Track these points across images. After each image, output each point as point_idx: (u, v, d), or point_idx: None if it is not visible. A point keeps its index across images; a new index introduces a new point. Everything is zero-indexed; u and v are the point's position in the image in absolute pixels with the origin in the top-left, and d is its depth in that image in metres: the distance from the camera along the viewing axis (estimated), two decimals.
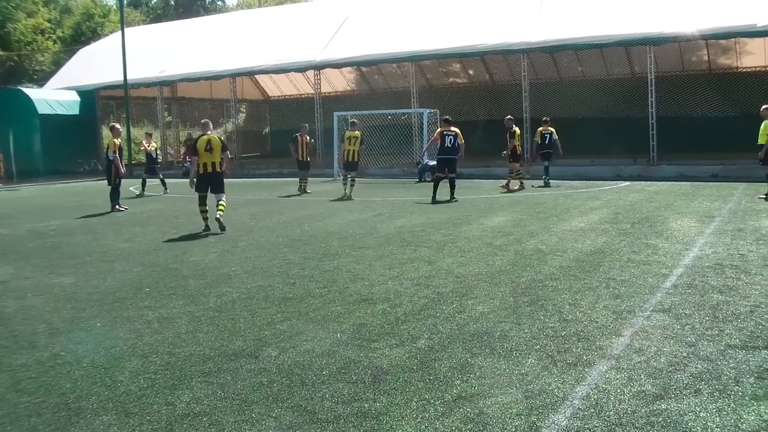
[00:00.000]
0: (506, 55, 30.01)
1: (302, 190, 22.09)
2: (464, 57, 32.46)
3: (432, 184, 18.52)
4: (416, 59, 30.63)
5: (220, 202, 14.17)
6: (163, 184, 24.57)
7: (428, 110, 27.66)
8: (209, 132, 14.36)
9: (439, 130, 18.81)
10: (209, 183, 14.35)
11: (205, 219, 14.19)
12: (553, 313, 7.09)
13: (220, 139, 14.63)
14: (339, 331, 6.72)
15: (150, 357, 6.17)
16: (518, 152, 21.77)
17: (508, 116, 21.79)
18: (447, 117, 18.94)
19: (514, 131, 21.24)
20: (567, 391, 5.07)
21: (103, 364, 6.03)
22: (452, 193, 18.22)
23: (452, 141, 18.00)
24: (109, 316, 7.63)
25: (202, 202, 14.27)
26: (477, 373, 5.49)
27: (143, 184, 24.28)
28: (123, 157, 21.25)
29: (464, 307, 7.43)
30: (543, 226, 13.08)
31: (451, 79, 38.34)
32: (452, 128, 18.28)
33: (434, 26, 30.43)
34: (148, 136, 25.99)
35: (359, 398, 5.08)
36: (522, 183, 21.39)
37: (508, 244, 11.22)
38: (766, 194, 15.58)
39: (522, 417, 4.66)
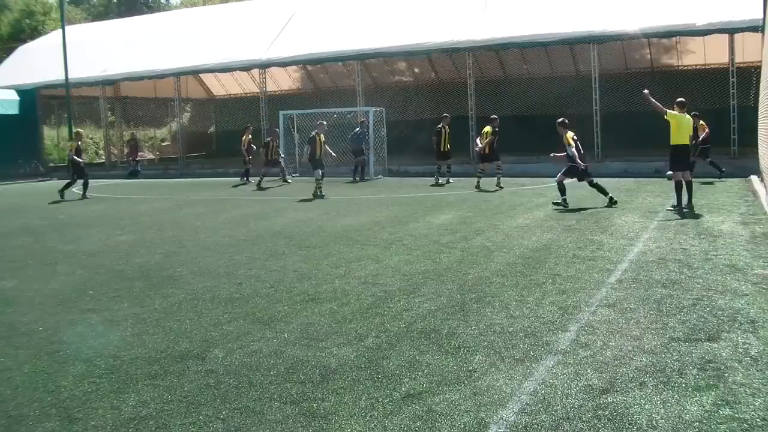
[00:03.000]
0: (452, 53, 30.10)
1: (318, 192, 19.72)
2: (410, 56, 32.50)
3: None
4: (362, 58, 30.61)
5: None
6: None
7: (374, 108, 27.69)
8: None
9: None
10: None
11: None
12: (500, 310, 7.16)
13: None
14: (286, 331, 6.69)
15: (94, 361, 6.07)
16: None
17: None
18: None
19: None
20: (514, 387, 5.12)
21: (46, 370, 5.91)
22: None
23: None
24: (51, 320, 7.48)
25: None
26: (425, 371, 5.52)
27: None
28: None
29: (411, 305, 7.46)
30: (489, 223, 13.19)
31: (396, 78, 38.39)
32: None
33: (380, 25, 30.44)
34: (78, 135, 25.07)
35: (308, 398, 5.07)
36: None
37: (455, 242, 11.29)
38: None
39: (470, 413, 4.70)
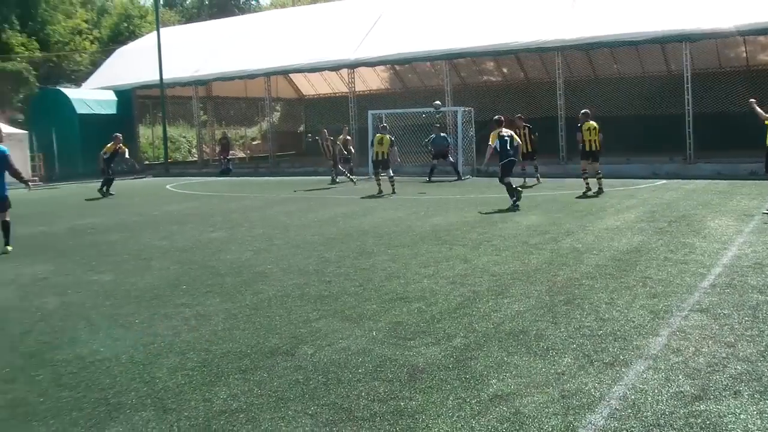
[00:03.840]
0: (540, 53, 29.78)
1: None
2: (498, 55, 32.27)
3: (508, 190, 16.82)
4: (450, 57, 30.50)
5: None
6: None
7: (462, 108, 27.58)
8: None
9: (494, 132, 16.78)
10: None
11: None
12: (590, 312, 7.04)
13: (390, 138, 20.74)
14: (375, 329, 6.73)
15: (187, 354, 6.23)
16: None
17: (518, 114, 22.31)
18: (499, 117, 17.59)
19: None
20: (604, 391, 5.03)
21: (142, 361, 6.10)
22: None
23: (510, 143, 16.45)
24: (147, 313, 7.72)
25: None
26: (513, 372, 5.47)
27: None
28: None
29: (500, 306, 7.41)
30: (579, 224, 12.98)
31: (485, 78, 38.17)
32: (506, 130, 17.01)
33: (468, 24, 30.30)
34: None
35: (395, 396, 5.09)
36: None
37: (544, 243, 11.16)
38: None
39: (558, 417, 4.64)
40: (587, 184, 18.47)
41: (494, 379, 5.34)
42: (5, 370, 6.01)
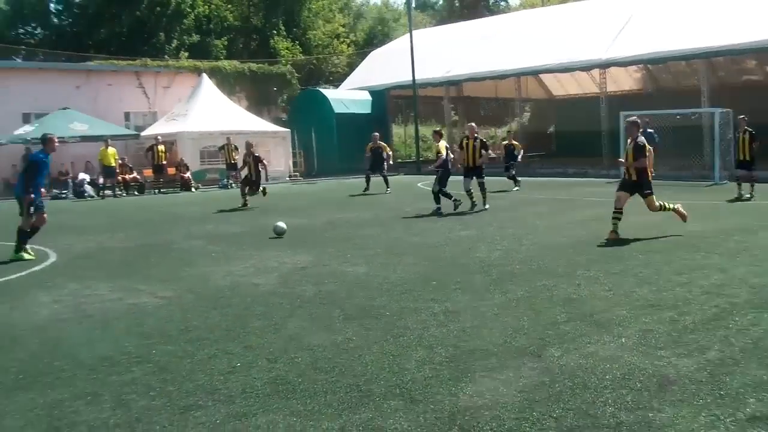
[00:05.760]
0: None
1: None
2: (761, 51, 29.85)
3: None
4: (707, 56, 28.81)
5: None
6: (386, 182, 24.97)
7: (720, 110, 25.86)
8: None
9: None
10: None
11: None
12: None
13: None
14: (624, 336, 6.49)
15: (435, 348, 6.35)
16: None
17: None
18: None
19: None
20: None
21: (392, 352, 6.29)
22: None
23: None
24: (397, 306, 7.96)
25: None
26: None
27: None
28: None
29: (760, 320, 6.86)
30: None
31: (745, 77, 35.62)
32: None
33: (726, 20, 28.35)
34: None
35: (643, 406, 4.88)
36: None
37: None
38: None
39: None
40: None
41: (752, 399, 4.95)
42: (269, 350, 6.46)
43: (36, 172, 12.61)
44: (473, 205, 17.68)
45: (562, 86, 43.21)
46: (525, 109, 43.07)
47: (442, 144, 18.04)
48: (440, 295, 8.42)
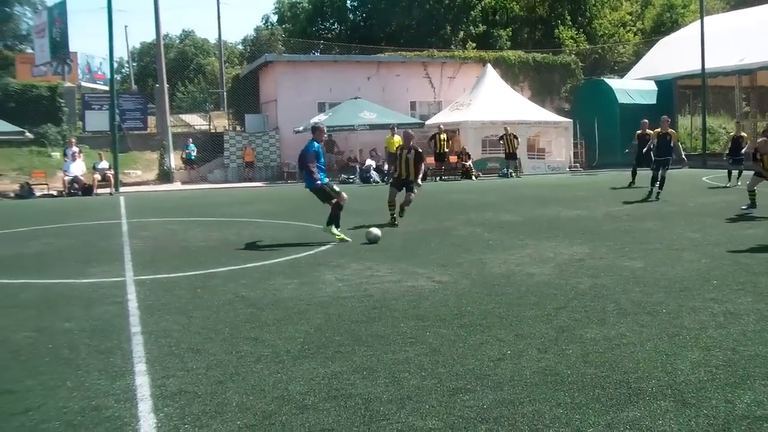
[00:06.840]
0: None
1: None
2: None
3: None
4: None
5: None
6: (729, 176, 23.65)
7: None
8: None
9: None
10: None
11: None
12: None
13: None
14: None
15: (712, 350, 6.12)
16: None
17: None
18: None
19: None
20: None
21: (665, 351, 6.15)
22: None
23: None
24: (674, 304, 7.73)
25: None
26: None
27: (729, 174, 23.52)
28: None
29: None
30: None
31: None
32: None
33: None
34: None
35: None
36: None
37: None
38: None
39: None
40: None
41: None
42: (540, 340, 6.57)
43: (310, 161, 13.06)
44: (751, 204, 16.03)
45: None
46: None
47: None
48: (721, 295, 8.05)
